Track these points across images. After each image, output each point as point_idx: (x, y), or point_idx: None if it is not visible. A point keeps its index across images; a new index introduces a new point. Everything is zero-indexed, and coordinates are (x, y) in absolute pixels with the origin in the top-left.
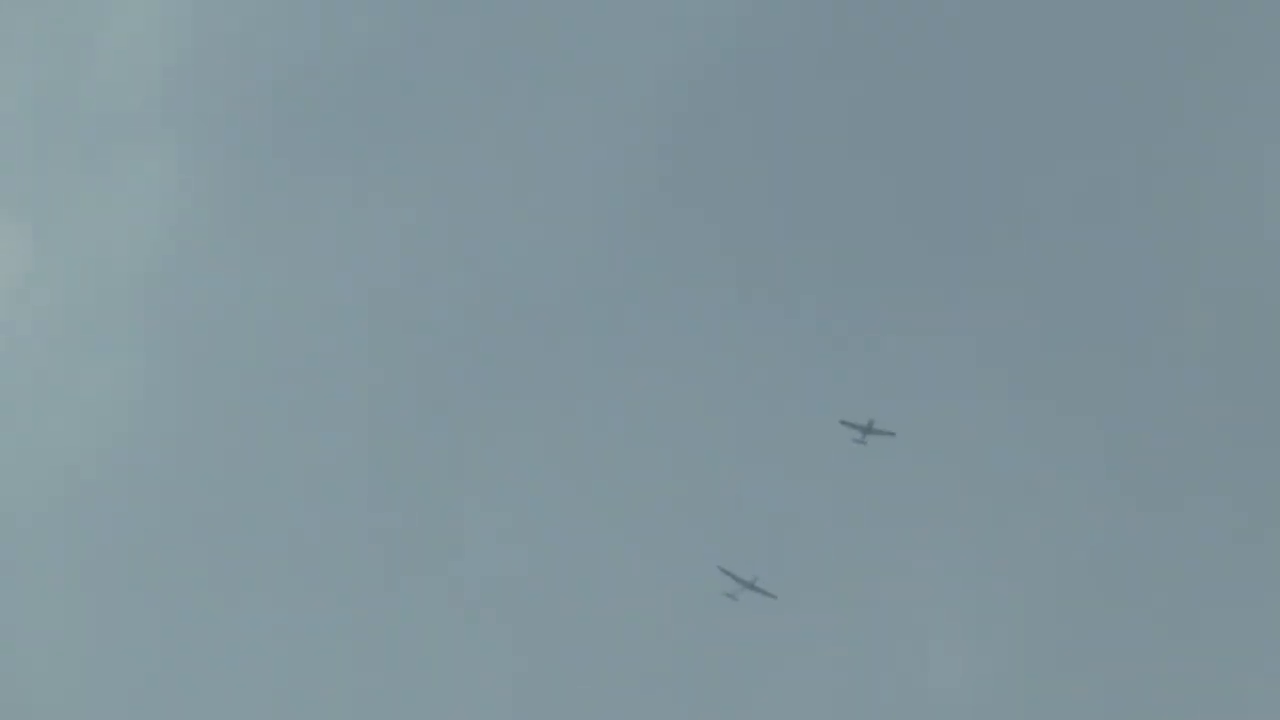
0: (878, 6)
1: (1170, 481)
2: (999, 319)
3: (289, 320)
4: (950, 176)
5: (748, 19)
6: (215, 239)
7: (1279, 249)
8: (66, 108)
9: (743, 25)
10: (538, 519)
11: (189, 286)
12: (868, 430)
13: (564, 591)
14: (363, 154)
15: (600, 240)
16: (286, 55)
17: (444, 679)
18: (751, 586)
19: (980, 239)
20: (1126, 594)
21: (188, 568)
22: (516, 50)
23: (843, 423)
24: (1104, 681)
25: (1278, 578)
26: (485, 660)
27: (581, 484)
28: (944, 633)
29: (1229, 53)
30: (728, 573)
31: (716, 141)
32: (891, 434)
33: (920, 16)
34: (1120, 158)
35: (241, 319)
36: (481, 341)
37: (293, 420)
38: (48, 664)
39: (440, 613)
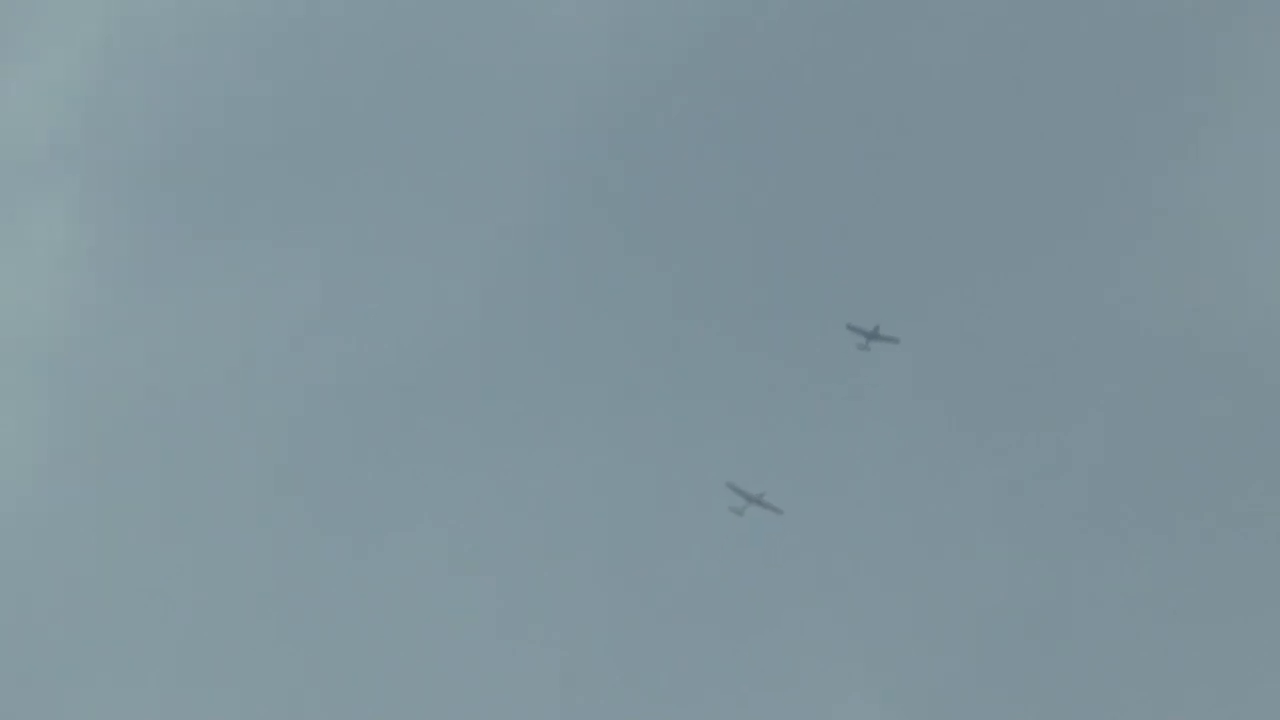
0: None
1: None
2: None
3: (190, 379)
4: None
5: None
6: (113, 295)
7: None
8: None
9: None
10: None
11: (87, 344)
12: (872, 336)
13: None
14: (268, 208)
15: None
16: (191, 111)
17: (441, 612)
18: (758, 501)
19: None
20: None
21: (90, 635)
22: (429, 105)
23: (849, 327)
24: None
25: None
26: (482, 591)
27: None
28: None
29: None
30: (734, 488)
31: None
32: (896, 340)
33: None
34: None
35: (141, 378)
36: (414, 373)
37: (197, 479)
38: None
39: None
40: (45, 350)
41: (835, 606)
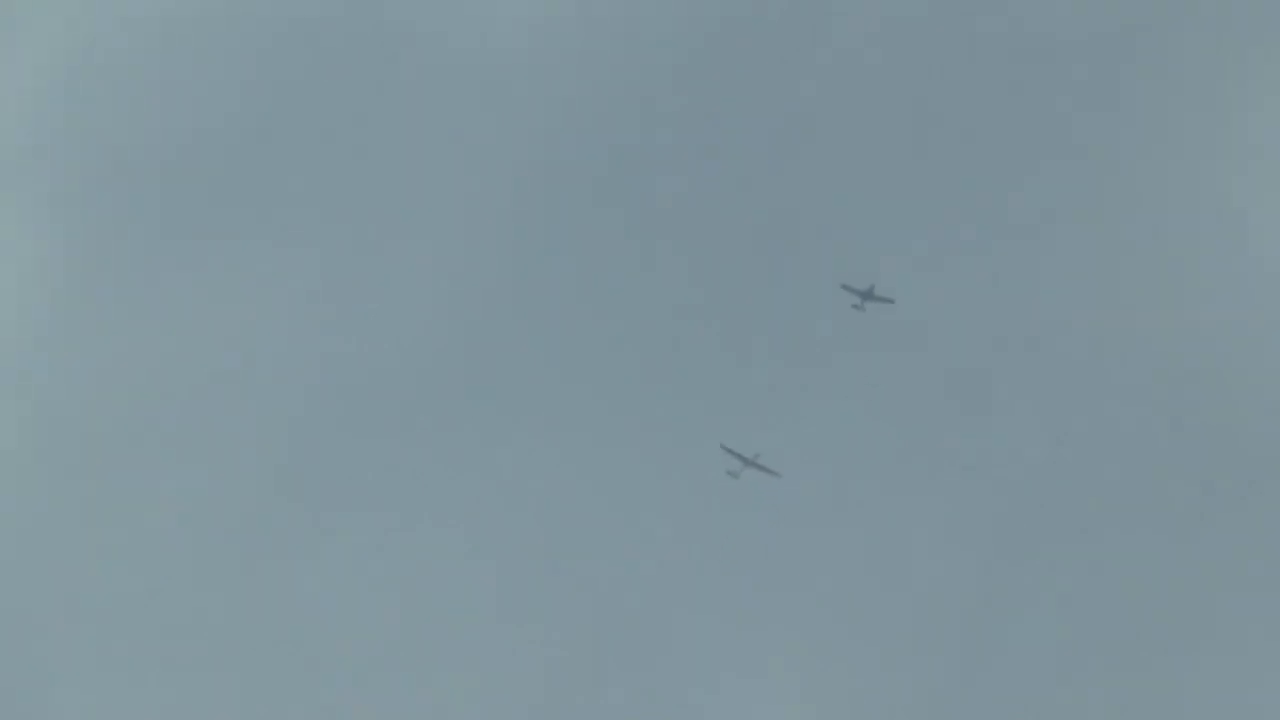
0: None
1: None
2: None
3: (189, 379)
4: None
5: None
6: (113, 295)
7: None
8: None
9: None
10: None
11: (86, 344)
12: (868, 296)
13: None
14: (268, 208)
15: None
16: (190, 111)
17: (441, 611)
18: (753, 463)
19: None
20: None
21: (89, 635)
22: (427, 105)
23: (843, 287)
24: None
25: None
26: (482, 590)
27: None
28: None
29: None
30: (730, 450)
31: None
32: (891, 301)
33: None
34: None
35: (141, 378)
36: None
37: (197, 479)
38: None
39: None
40: (45, 351)
41: (835, 605)
